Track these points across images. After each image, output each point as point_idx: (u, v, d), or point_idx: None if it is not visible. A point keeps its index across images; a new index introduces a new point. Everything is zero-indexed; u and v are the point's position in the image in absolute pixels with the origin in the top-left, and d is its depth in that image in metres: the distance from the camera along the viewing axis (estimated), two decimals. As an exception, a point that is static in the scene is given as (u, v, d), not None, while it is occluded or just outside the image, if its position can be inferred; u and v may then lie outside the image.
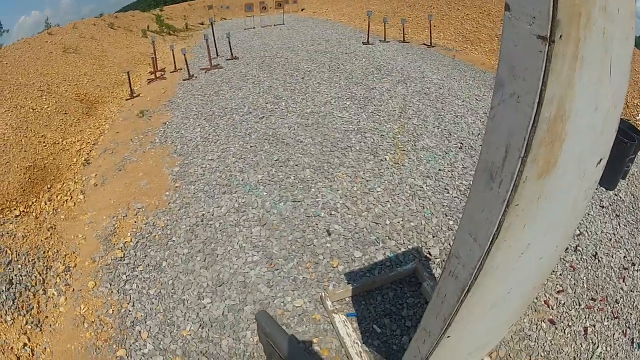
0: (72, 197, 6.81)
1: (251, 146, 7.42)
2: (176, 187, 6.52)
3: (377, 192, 5.93)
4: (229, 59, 14.58)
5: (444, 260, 4.70)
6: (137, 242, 5.42)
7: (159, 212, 5.96)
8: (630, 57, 1.46)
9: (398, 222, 5.35)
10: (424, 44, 15.47)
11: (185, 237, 5.38)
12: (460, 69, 11.85)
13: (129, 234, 5.61)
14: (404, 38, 16.11)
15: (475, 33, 15.07)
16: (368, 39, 15.82)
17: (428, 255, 4.83)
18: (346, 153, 6.89)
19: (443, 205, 5.62)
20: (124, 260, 5.16)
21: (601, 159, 1.60)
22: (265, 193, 6.04)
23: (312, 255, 4.89)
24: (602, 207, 5.58)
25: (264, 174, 6.51)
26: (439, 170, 6.42)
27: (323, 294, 4.27)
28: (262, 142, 7.51)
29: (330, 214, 5.54)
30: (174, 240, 5.36)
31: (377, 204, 5.69)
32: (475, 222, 1.55)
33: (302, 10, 32.86)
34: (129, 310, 4.43)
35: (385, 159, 6.74)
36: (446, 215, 5.44)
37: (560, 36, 1.17)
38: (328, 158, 6.80)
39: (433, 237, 5.11)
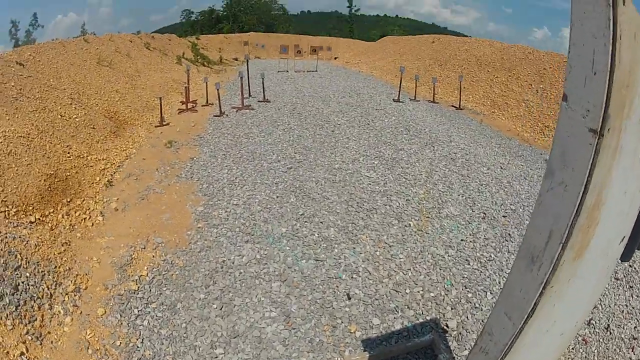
0: (90, 216, 6.82)
1: (277, 196, 7.45)
2: (198, 227, 6.53)
3: (400, 259, 5.90)
4: (261, 101, 14.89)
5: (460, 334, 4.67)
6: (153, 278, 5.39)
7: (179, 251, 5.96)
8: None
9: (418, 292, 5.30)
10: (453, 105, 15.74)
11: (203, 281, 5.35)
12: (486, 134, 12.04)
13: (145, 267, 5.60)
14: (434, 98, 16.43)
15: (503, 97, 15.32)
16: (399, 96, 16.08)
17: (445, 328, 4.76)
18: (371, 215, 6.90)
19: (463, 277, 5.57)
20: (138, 294, 5.13)
21: (624, 237, 1.66)
22: (288, 248, 6.03)
23: (330, 317, 4.83)
24: (617, 279, 5.50)
25: (288, 228, 6.50)
26: (462, 240, 6.40)
27: (339, 359, 4.22)
28: (289, 194, 7.54)
29: (352, 277, 5.50)
30: (191, 283, 5.32)
31: (398, 271, 5.66)
32: (512, 302, 1.64)
33: (335, 58, 33.49)
34: (137, 347, 4.39)
35: (410, 224, 6.74)
36: (466, 288, 5.39)
37: (608, 129, 1.27)
38: (353, 218, 6.80)
39: (452, 309, 5.05)
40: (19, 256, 5.01)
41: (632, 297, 5.20)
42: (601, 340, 4.54)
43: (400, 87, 16.59)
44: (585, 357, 4.33)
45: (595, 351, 4.39)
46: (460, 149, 10.37)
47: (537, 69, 15.56)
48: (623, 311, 4.94)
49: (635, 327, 4.71)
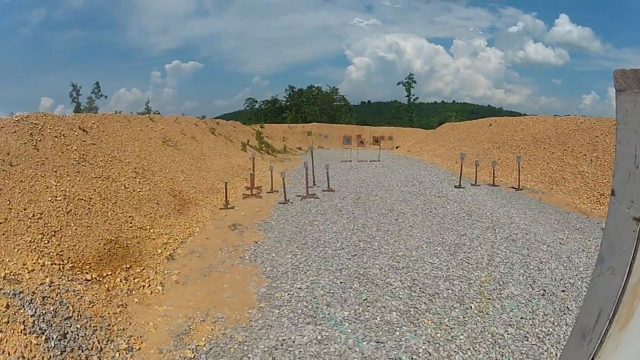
0: (150, 285, 7.01)
1: (341, 282, 7.45)
2: (260, 307, 6.57)
3: (460, 339, 5.75)
4: (325, 190, 15.24)
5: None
6: (210, 349, 5.39)
7: (239, 327, 5.96)
8: None
9: (477, 371, 5.16)
10: (513, 187, 15.93)
11: (262, 357, 5.30)
12: (545, 212, 12.13)
13: (203, 338, 5.61)
14: (493, 181, 16.63)
15: (560, 172, 15.62)
16: (460, 182, 16.31)
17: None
18: (433, 300, 6.81)
19: (521, 353, 5.39)
20: (193, 362, 5.15)
21: None
22: (349, 330, 5.96)
23: (390, 397, 4.74)
24: None
25: (351, 312, 6.46)
26: (521, 318, 6.23)
27: None
28: (352, 280, 7.52)
29: (412, 358, 5.38)
30: (249, 357, 5.28)
31: (458, 351, 5.50)
32: None
33: (396, 147, 34.20)
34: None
35: (471, 307, 6.61)
36: (523, 362, 5.24)
37: (649, 213, 1.35)
38: (415, 303, 6.72)
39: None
40: (70, 308, 5.21)
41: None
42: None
43: (461, 173, 16.79)
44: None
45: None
46: (520, 229, 10.37)
47: (589, 138, 16.02)
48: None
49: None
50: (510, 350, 5.49)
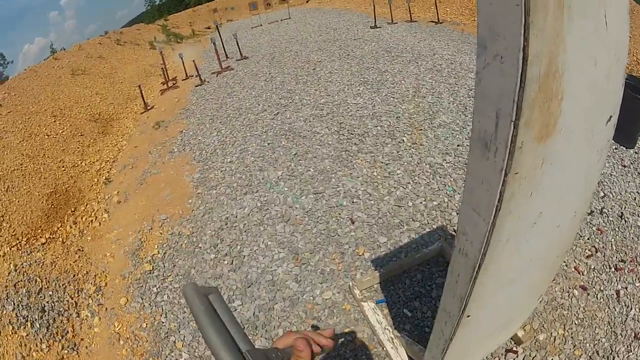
0: (96, 217, 6.87)
1: (269, 143, 7.39)
2: (198, 193, 6.53)
3: (398, 174, 5.83)
4: (239, 59, 14.75)
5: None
6: (164, 254, 5.41)
7: (184, 221, 5.96)
8: (628, 5, 1.35)
9: (420, 203, 5.24)
10: (432, 21, 15.44)
11: (211, 242, 5.35)
12: (470, 42, 11.79)
13: (155, 246, 5.61)
14: (410, 18, 16.11)
15: None
16: (375, 22, 15.86)
17: (453, 233, 4.67)
18: (363, 139, 6.81)
19: (463, 180, 5.47)
20: (153, 272, 5.15)
21: (611, 116, 1.48)
22: (286, 189, 5.99)
23: (337, 245, 4.81)
24: (624, 166, 5.31)
25: (284, 170, 6.45)
26: (458, 145, 6.29)
27: (351, 283, 4.19)
28: (279, 138, 7.47)
29: (353, 202, 5.45)
30: (200, 247, 5.33)
31: (398, 186, 5.59)
32: (476, 196, 1.42)
33: (307, 1, 32.80)
34: (162, 322, 4.42)
35: (403, 140, 6.64)
36: (468, 190, 5.33)
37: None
38: (345, 146, 6.72)
39: (457, 213, 4.96)
40: (38, 280, 5.09)
41: (643, 184, 5.05)
42: (617, 229, 4.40)
43: (374, 12, 16.35)
44: (603, 246, 4.21)
45: (612, 240, 4.27)
46: (444, 60, 10.22)
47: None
48: (635, 198, 4.79)
49: (650, 215, 4.58)
50: (452, 179, 5.60)
